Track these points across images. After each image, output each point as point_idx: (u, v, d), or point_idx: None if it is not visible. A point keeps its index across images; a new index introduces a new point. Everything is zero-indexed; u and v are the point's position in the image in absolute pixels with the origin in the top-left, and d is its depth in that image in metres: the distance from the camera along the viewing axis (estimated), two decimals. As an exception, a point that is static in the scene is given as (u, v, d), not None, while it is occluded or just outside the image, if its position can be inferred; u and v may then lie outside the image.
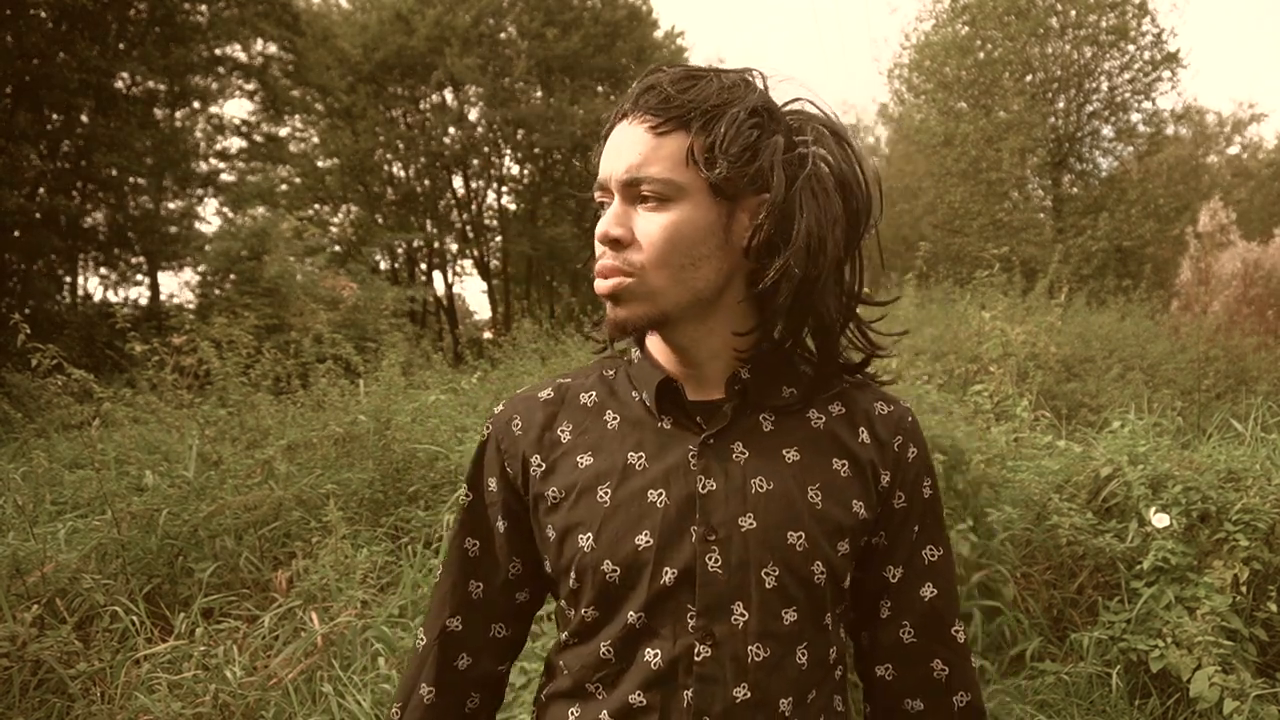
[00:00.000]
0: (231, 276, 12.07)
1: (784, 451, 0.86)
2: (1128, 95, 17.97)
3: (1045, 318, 6.04)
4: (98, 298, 15.07)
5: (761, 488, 0.84)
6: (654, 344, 0.91)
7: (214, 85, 16.78)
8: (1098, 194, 17.78)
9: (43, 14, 12.51)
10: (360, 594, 2.73)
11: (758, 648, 0.82)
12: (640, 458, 0.85)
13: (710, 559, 0.82)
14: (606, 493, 0.84)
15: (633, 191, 0.82)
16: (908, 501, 0.91)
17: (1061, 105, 18.26)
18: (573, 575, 0.85)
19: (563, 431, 0.89)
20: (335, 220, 22.45)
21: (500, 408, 0.94)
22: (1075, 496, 3.24)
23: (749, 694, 0.82)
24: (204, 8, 15.01)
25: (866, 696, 0.97)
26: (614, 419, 0.89)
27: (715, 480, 0.84)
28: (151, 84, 14.84)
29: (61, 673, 2.48)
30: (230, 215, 15.60)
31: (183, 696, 2.37)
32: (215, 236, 13.80)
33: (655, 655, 0.82)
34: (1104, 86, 18.02)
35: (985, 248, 9.75)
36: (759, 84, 0.85)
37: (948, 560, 0.94)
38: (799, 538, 0.83)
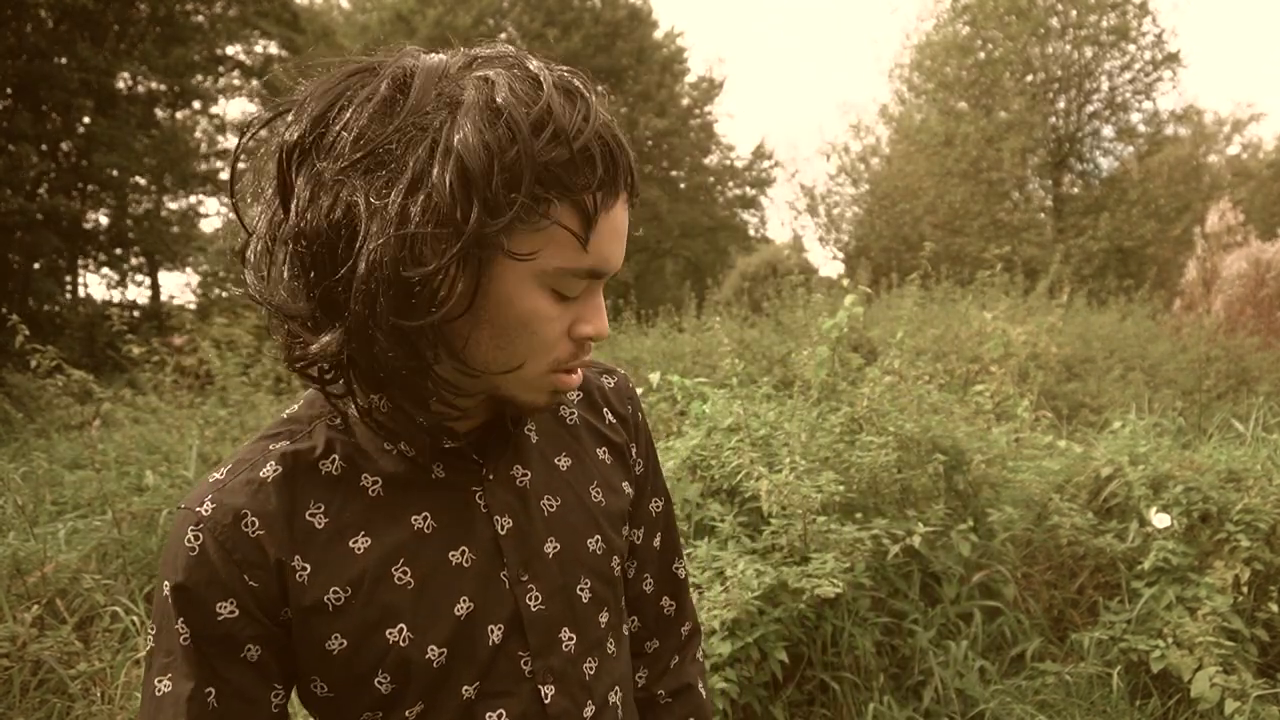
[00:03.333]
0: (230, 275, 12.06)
1: (556, 461, 0.83)
2: (1128, 95, 18.02)
3: (1046, 318, 6.03)
4: (98, 298, 15.09)
5: (551, 506, 0.81)
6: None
7: (215, 84, 16.79)
8: (1098, 194, 17.80)
9: (43, 14, 12.52)
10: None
11: (589, 663, 0.81)
12: (425, 518, 0.74)
13: (530, 598, 0.77)
14: (405, 571, 0.73)
15: None
16: (645, 465, 0.94)
17: (1062, 105, 18.28)
18: (385, 677, 0.72)
19: (313, 516, 0.72)
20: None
21: (207, 505, 0.70)
22: (1076, 497, 3.24)
23: (593, 708, 0.81)
24: (203, 7, 15.03)
25: None
26: (374, 483, 0.74)
27: (510, 515, 0.77)
28: (152, 84, 14.86)
29: (61, 673, 2.48)
30: (231, 215, 15.58)
31: (183, 697, 2.37)
32: (216, 236, 13.79)
33: (500, 715, 0.76)
34: (1104, 86, 18.05)
35: (986, 248, 9.76)
36: None
37: (669, 507, 0.98)
38: (596, 541, 0.83)
